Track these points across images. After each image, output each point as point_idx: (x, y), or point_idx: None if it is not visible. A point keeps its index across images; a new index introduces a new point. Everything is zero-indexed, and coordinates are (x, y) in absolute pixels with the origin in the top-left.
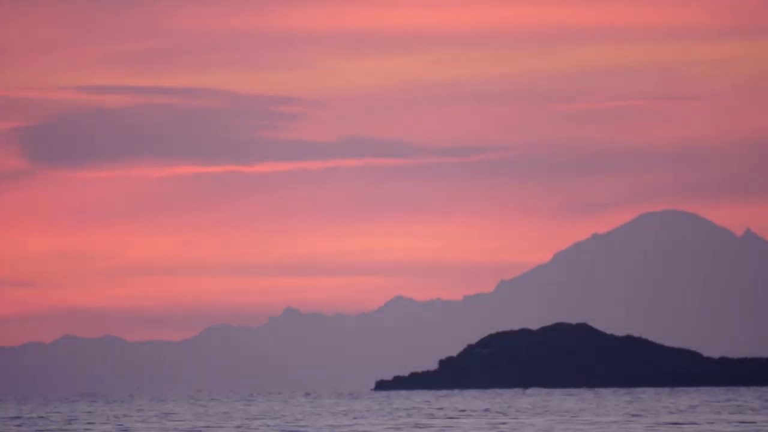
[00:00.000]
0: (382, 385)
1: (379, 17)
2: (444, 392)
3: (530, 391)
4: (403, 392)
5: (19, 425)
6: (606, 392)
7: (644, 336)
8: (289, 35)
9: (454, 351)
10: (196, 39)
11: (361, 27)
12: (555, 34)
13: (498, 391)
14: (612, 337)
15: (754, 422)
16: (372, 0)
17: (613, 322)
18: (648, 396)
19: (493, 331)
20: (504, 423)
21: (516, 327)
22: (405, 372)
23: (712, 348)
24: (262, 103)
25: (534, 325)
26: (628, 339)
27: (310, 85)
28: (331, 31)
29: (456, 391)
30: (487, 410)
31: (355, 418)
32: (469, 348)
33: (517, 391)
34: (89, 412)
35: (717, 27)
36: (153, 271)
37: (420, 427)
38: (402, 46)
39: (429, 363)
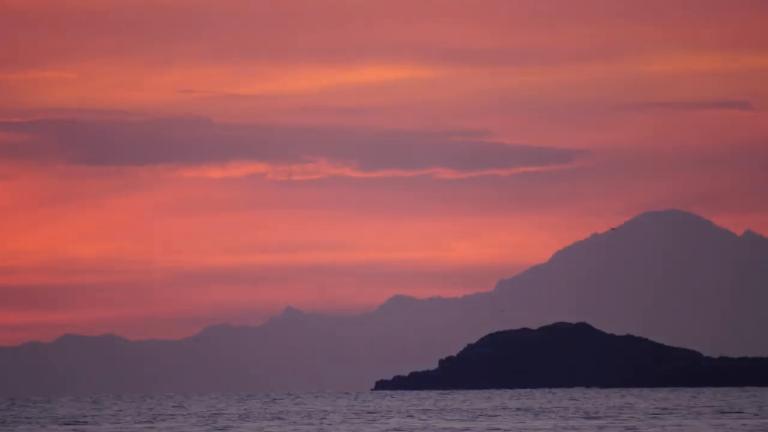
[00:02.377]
0: (382, 385)
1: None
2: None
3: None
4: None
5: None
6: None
7: (644, 335)
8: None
9: (454, 350)
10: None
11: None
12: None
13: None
14: (612, 336)
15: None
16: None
17: (613, 322)
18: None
19: (493, 330)
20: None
21: (516, 326)
22: (405, 372)
23: (712, 347)
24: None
25: (534, 325)
26: (628, 338)
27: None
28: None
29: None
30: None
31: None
32: (469, 347)
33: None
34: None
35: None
36: (156, 272)
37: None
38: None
39: (429, 362)
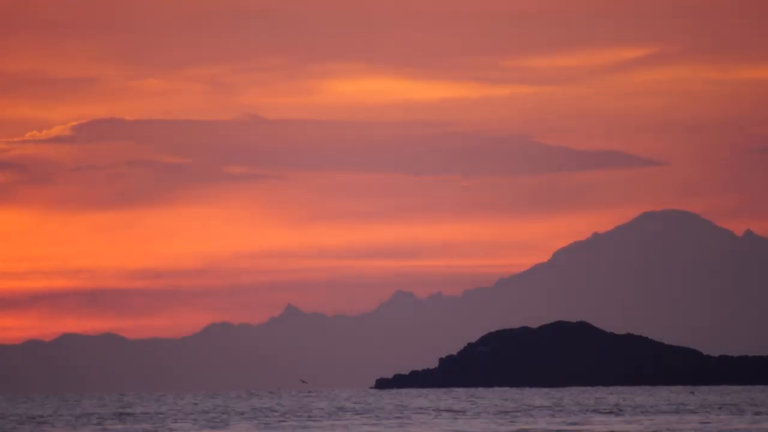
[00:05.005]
0: (382, 384)
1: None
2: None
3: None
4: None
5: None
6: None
7: (644, 334)
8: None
9: (455, 349)
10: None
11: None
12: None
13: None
14: (612, 335)
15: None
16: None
17: (613, 321)
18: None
19: (493, 329)
20: None
21: (516, 325)
22: (405, 370)
23: (711, 346)
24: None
25: (534, 324)
26: (628, 337)
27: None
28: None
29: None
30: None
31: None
32: (470, 346)
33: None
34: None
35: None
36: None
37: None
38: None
39: (429, 361)
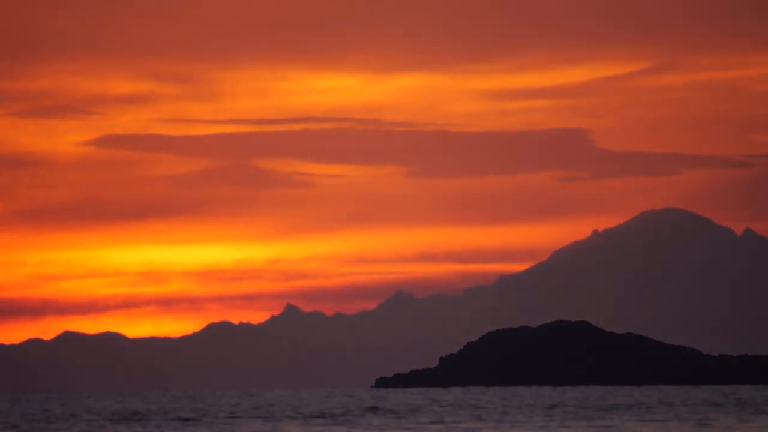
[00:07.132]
0: (382, 383)
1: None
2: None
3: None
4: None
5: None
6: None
7: (644, 334)
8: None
9: (455, 349)
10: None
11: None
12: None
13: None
14: (612, 334)
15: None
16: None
17: (612, 320)
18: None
19: (493, 329)
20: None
21: (516, 325)
22: (405, 370)
23: (712, 346)
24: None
25: (534, 323)
26: (628, 336)
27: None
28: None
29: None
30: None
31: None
32: (470, 346)
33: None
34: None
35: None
36: (159, 270)
37: None
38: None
39: (429, 361)
